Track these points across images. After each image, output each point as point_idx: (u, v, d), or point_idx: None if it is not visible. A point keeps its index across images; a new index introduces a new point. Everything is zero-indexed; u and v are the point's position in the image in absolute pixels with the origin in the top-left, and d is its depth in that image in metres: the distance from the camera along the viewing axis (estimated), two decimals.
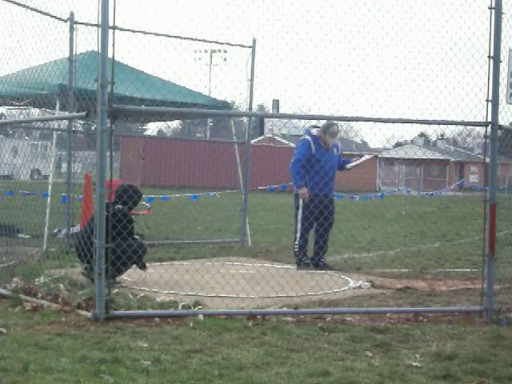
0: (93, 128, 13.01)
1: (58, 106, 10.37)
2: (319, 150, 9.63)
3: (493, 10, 6.66)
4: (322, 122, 9.67)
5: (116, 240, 6.99)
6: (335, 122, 9.60)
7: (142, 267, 8.15)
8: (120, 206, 7.91)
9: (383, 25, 6.89)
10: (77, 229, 10.80)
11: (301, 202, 9.69)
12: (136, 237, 8.32)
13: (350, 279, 8.92)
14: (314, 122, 9.96)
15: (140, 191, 8.57)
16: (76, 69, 10.24)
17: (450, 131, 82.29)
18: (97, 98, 6.16)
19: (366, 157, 10.41)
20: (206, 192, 16.67)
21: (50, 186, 10.55)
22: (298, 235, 9.70)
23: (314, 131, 9.78)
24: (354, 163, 10.04)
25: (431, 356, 5.34)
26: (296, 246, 9.74)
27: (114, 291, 6.81)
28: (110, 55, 6.14)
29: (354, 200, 21.21)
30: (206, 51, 57.75)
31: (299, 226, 9.70)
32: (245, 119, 16.37)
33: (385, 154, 60.34)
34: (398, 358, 5.28)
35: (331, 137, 9.67)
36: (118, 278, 7.73)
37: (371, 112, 6.89)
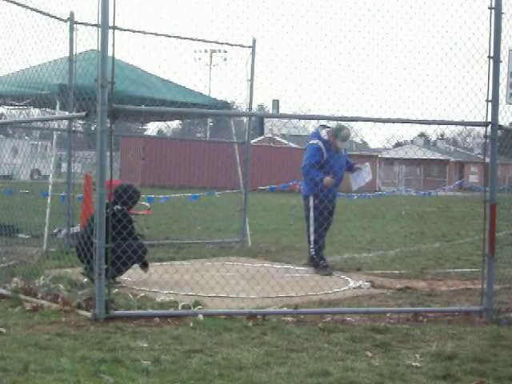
0: (93, 128, 13.02)
1: (58, 106, 10.37)
2: (329, 153, 9.56)
3: (493, 10, 6.66)
4: (332, 122, 9.62)
5: (116, 241, 6.99)
6: (345, 125, 9.56)
7: (144, 267, 8.15)
8: (119, 207, 7.91)
9: (383, 25, 6.90)
10: (77, 229, 10.79)
11: (311, 203, 9.64)
12: (137, 237, 8.33)
13: (350, 279, 8.92)
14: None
15: (139, 191, 8.61)
16: (76, 68, 10.24)
17: (449, 131, 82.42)
18: (97, 98, 6.16)
19: (368, 174, 10.11)
20: (208, 191, 16.66)
21: (50, 186, 10.55)
22: (312, 238, 9.58)
23: (324, 132, 9.64)
24: (357, 186, 9.93)
25: (431, 356, 5.34)
26: (312, 250, 9.62)
27: (114, 291, 6.81)
28: (110, 55, 6.15)
29: (352, 199, 21.19)
30: (206, 51, 57.83)
31: (312, 228, 9.60)
32: (245, 119, 16.37)
33: (385, 154, 60.36)
34: (398, 358, 5.29)
35: (342, 141, 9.57)
36: (118, 278, 7.73)
37: (371, 112, 6.89)
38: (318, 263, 9.53)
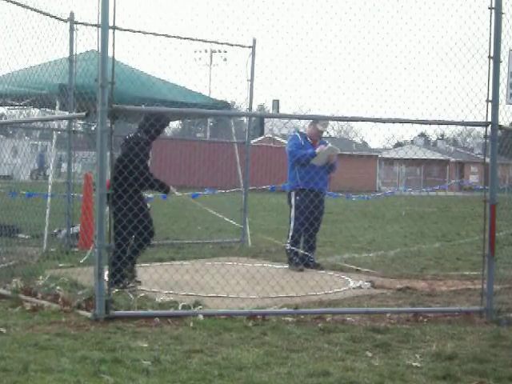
0: (93, 128, 13.03)
1: (57, 106, 10.37)
2: (306, 146, 9.80)
3: (493, 10, 6.66)
4: (331, 123, 9.92)
5: (128, 169, 6.94)
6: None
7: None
8: (139, 134, 7.65)
9: (383, 25, 6.89)
10: (77, 229, 10.79)
11: (293, 200, 9.81)
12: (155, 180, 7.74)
13: (350, 279, 8.92)
14: None
15: (162, 119, 7.84)
16: (76, 68, 10.24)
17: (450, 131, 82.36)
18: (97, 98, 6.16)
19: (327, 148, 9.95)
20: (210, 191, 16.63)
21: (49, 186, 10.55)
22: (291, 234, 9.83)
23: (301, 130, 10.15)
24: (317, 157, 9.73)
25: (431, 356, 5.34)
26: (287, 245, 9.85)
27: (114, 291, 6.81)
28: (110, 55, 6.14)
29: (350, 199, 21.17)
30: (206, 51, 57.77)
31: (292, 224, 9.80)
32: (245, 119, 16.37)
33: (385, 154, 60.32)
34: (398, 358, 5.28)
35: (323, 126, 9.88)
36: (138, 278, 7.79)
37: (371, 112, 6.90)
38: (291, 259, 9.74)
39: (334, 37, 6.88)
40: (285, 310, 6.79)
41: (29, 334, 5.63)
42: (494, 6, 6.66)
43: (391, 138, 68.78)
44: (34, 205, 10.67)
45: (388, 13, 6.87)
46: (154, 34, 10.70)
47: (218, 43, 12.17)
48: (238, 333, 5.89)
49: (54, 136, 10.97)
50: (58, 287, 7.05)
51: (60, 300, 6.65)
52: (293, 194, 9.84)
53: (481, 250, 7.07)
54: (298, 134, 9.95)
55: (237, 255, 10.97)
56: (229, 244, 12.17)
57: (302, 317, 6.54)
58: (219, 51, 55.90)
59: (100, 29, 6.12)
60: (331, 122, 9.92)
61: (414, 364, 5.13)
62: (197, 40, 11.61)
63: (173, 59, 10.14)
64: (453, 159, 67.01)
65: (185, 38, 11.13)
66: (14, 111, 13.19)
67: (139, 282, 7.82)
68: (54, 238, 10.81)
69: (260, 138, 50.30)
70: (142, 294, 7.06)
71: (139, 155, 7.44)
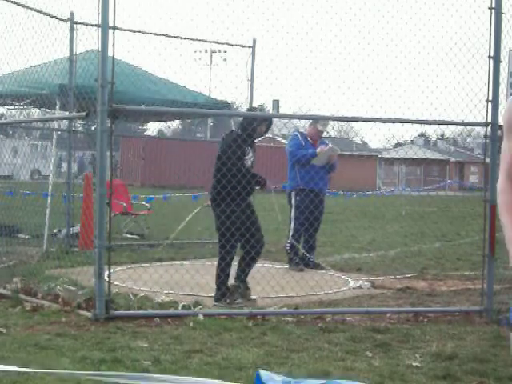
0: (93, 128, 13.02)
1: (58, 106, 10.37)
2: (306, 146, 9.82)
3: (493, 10, 6.67)
4: (331, 123, 9.87)
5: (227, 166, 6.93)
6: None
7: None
8: (239, 132, 7.42)
9: (383, 25, 6.89)
10: (77, 229, 10.78)
11: (293, 200, 9.83)
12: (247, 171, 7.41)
13: (350, 279, 8.92)
14: None
15: (259, 119, 7.69)
16: (76, 68, 10.24)
17: (450, 131, 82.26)
18: (97, 98, 6.16)
19: (327, 149, 9.91)
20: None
21: (49, 186, 10.55)
22: (291, 234, 9.85)
23: (302, 130, 10.17)
24: (318, 157, 9.71)
25: (431, 356, 5.34)
26: (288, 245, 9.87)
27: (114, 291, 6.81)
28: (110, 55, 6.15)
29: (350, 197, 21.17)
30: (206, 51, 57.59)
31: (292, 224, 9.81)
32: None
33: (385, 154, 60.31)
34: (398, 358, 5.28)
35: (323, 125, 9.88)
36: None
37: (371, 112, 6.90)
38: (291, 259, 9.76)
39: (334, 37, 6.88)
40: (285, 310, 6.79)
41: (29, 334, 5.63)
42: (494, 5, 6.67)
43: (391, 138, 68.76)
44: (34, 205, 10.67)
45: (388, 13, 6.87)
46: (154, 34, 10.70)
47: (218, 43, 12.16)
48: (237, 333, 5.89)
49: (54, 136, 10.97)
50: (58, 287, 7.05)
51: (60, 300, 6.65)
52: (293, 194, 9.86)
53: (481, 250, 7.07)
54: (298, 134, 9.96)
55: (237, 255, 10.94)
56: None
57: (302, 317, 6.54)
58: (219, 51, 55.68)
59: (100, 29, 6.13)
60: (331, 122, 9.92)
61: (414, 364, 5.13)
62: (197, 40, 11.60)
63: (173, 59, 10.16)
64: (453, 159, 67.00)
65: (185, 38, 11.12)
66: (14, 111, 13.19)
67: (253, 299, 7.28)
68: (54, 238, 10.81)
69: (260, 138, 50.25)
70: (142, 294, 7.06)
71: (236, 152, 7.31)
